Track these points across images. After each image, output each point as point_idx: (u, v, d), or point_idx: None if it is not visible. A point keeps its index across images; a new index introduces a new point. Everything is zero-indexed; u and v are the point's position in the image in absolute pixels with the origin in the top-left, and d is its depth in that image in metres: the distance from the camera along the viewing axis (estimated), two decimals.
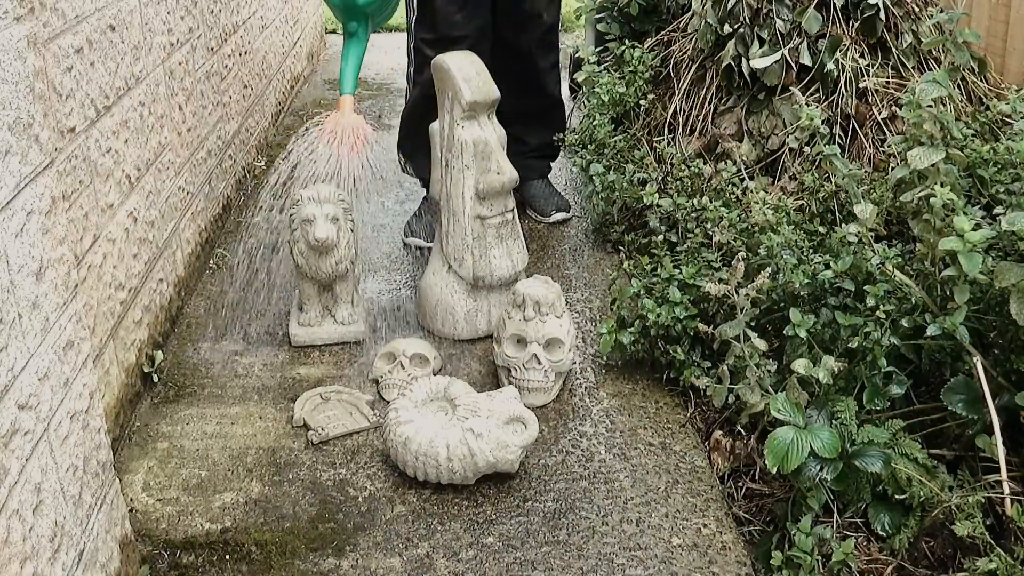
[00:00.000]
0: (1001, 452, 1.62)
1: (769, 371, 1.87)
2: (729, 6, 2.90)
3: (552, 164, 3.33)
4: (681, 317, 2.13)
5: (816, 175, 2.51)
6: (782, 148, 2.81)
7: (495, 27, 2.85)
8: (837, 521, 1.75)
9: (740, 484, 1.94)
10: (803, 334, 1.86)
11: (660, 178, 2.81)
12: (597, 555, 1.74)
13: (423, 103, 2.73)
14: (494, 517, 1.84)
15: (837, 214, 2.41)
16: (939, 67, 2.87)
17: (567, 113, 3.33)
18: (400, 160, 3.10)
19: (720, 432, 2.03)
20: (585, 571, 1.71)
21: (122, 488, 1.74)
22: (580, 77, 3.41)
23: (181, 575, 1.72)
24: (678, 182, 2.73)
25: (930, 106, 1.90)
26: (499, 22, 2.85)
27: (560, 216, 3.13)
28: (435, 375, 2.22)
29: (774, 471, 1.66)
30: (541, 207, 3.17)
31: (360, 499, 1.89)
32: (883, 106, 2.80)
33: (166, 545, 1.78)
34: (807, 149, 2.64)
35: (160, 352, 2.33)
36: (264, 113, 3.82)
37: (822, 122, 2.47)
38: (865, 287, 1.90)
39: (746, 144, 2.87)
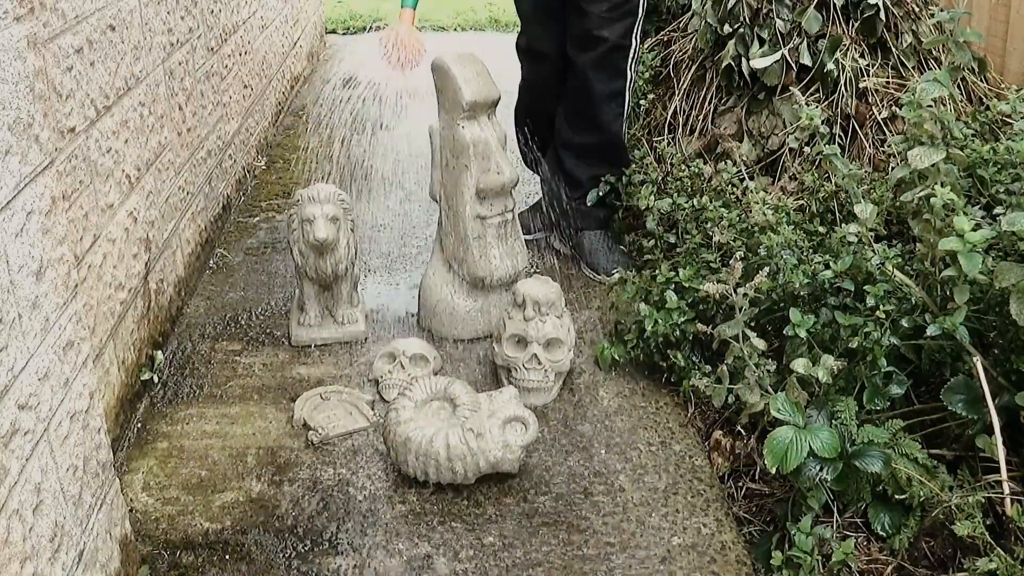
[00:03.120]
0: (1001, 452, 1.62)
1: (769, 371, 1.87)
2: (729, 6, 2.90)
3: (613, 214, 2.89)
4: (679, 322, 2.13)
5: (816, 175, 2.51)
6: (782, 148, 2.81)
7: (567, 46, 2.71)
8: (837, 521, 1.75)
9: (740, 484, 1.94)
10: (803, 334, 1.86)
11: (660, 178, 2.81)
12: (597, 555, 1.74)
13: (523, 98, 2.94)
14: (494, 517, 1.84)
15: (837, 214, 2.41)
16: (939, 67, 2.87)
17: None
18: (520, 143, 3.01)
19: (720, 432, 2.03)
20: (585, 571, 1.71)
21: (122, 488, 1.74)
22: None
23: (181, 575, 1.72)
24: (678, 182, 2.73)
25: (930, 106, 1.90)
26: (568, 41, 2.69)
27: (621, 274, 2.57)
28: (435, 375, 2.22)
29: (774, 471, 1.66)
30: (598, 263, 2.75)
31: (360, 499, 1.89)
32: (883, 106, 2.80)
33: (166, 545, 1.78)
34: (807, 149, 2.64)
35: (160, 352, 2.33)
36: (264, 113, 3.82)
37: (822, 122, 2.47)
38: (865, 287, 1.90)
39: (746, 144, 2.87)
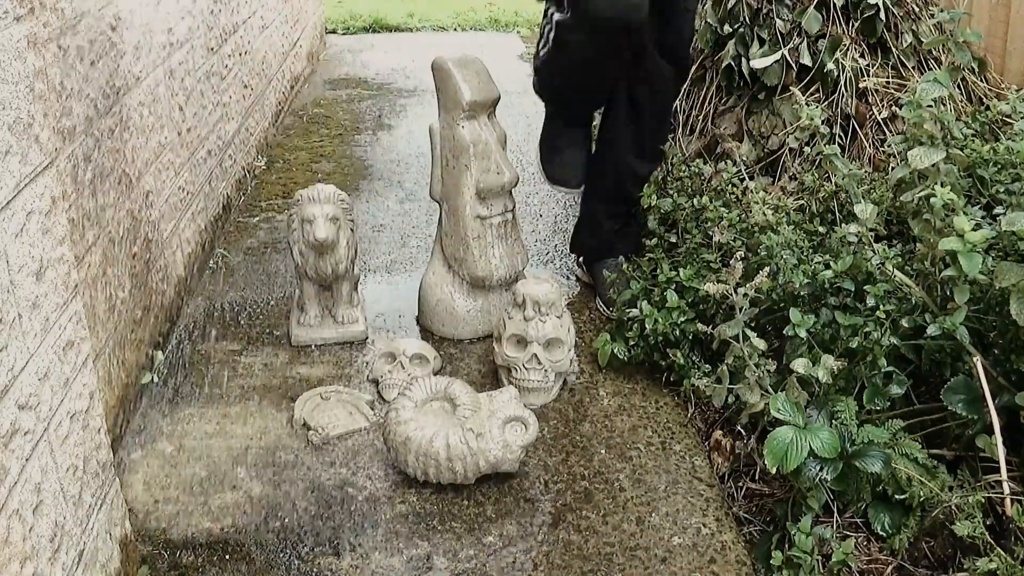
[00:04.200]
0: (1001, 452, 1.62)
1: (769, 371, 1.87)
2: (729, 6, 2.91)
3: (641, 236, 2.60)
4: (679, 322, 2.13)
5: (816, 175, 2.51)
6: (782, 148, 2.81)
7: (628, 79, 2.37)
8: (837, 521, 1.75)
9: (740, 484, 1.94)
10: (803, 334, 1.86)
11: (660, 178, 2.81)
12: (597, 555, 1.74)
13: (570, 80, 2.43)
14: (494, 517, 1.84)
15: (837, 214, 2.41)
16: (939, 67, 2.87)
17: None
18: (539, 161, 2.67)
19: (720, 432, 2.03)
20: (585, 571, 1.71)
21: (122, 488, 1.74)
22: None
23: (181, 575, 1.72)
24: (678, 182, 2.73)
25: (930, 106, 1.90)
26: (661, 42, 2.32)
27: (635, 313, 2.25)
28: (435, 375, 2.22)
29: (774, 471, 1.66)
30: (611, 298, 2.43)
31: (360, 499, 1.89)
32: (883, 106, 2.80)
33: (166, 545, 1.78)
34: (807, 149, 2.64)
35: (160, 352, 2.33)
36: (264, 113, 3.82)
37: (822, 122, 2.47)
38: (865, 287, 1.90)
39: (746, 144, 2.87)
